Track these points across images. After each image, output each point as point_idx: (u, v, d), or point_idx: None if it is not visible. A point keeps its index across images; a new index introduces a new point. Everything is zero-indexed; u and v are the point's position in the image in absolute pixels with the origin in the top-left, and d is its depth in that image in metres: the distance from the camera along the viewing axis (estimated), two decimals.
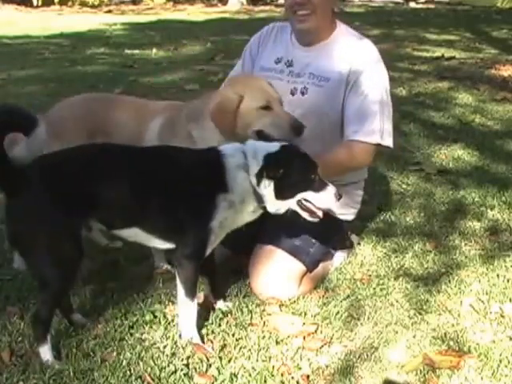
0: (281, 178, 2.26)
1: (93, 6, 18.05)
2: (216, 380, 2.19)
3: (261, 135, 2.56)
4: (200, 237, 2.30)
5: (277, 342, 2.40)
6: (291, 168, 2.28)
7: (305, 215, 2.37)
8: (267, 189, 2.28)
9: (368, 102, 2.75)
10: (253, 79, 2.80)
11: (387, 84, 2.84)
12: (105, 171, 2.30)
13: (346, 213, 2.96)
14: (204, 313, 2.56)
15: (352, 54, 2.80)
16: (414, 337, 2.45)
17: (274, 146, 2.33)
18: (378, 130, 2.75)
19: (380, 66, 2.84)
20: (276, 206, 2.34)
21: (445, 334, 2.47)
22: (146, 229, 2.35)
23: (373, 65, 2.81)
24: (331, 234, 2.92)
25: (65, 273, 2.22)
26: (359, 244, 3.23)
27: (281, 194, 2.30)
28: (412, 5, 17.54)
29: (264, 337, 2.43)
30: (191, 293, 2.32)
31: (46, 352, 2.23)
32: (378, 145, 2.78)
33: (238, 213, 2.34)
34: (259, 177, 2.27)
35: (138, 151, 2.46)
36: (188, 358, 2.28)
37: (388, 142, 2.80)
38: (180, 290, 2.33)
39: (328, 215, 2.78)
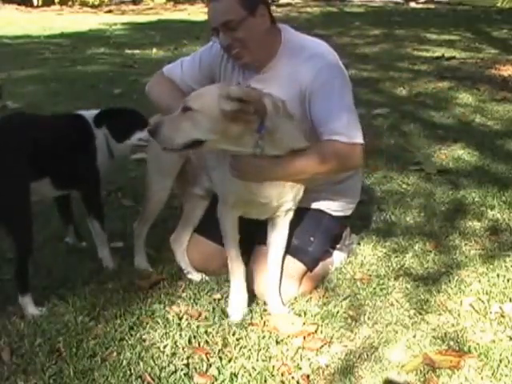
0: None
1: (93, 6, 18.02)
2: (216, 380, 2.19)
3: None
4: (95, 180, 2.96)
5: (277, 342, 2.40)
6: None
7: None
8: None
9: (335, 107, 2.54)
10: None
11: (346, 82, 2.61)
12: None
13: (344, 209, 2.93)
14: (204, 313, 2.57)
15: (301, 68, 2.60)
16: (414, 337, 2.45)
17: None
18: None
19: (334, 68, 2.61)
20: None
21: (445, 333, 2.47)
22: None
23: (325, 71, 2.58)
24: (330, 232, 2.91)
25: None
26: (359, 244, 3.23)
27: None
28: (412, 5, 17.48)
29: (264, 337, 2.43)
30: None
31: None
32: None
33: None
34: None
35: None
36: (188, 357, 2.28)
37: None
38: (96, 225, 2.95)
39: (326, 213, 2.79)
